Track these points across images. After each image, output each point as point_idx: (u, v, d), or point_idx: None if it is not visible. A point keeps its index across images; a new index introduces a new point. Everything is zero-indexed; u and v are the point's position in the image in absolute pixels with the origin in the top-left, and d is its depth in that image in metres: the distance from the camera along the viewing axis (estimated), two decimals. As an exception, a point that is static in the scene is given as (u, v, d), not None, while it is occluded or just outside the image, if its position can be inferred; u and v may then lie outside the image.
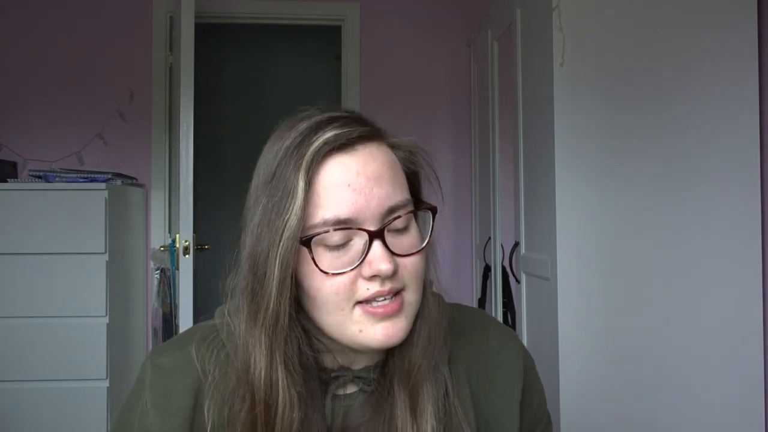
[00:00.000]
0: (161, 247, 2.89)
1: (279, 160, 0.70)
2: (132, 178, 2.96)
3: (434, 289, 0.79)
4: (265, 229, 0.69)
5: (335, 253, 0.69)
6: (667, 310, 1.86)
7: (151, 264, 3.03)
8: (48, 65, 3.08)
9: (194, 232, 2.47)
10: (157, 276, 2.88)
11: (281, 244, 0.67)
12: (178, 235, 2.46)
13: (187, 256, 2.44)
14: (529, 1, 2.15)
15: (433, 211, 0.74)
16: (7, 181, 2.70)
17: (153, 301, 2.97)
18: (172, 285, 2.71)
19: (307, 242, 0.68)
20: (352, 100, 3.27)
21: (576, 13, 1.87)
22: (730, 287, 1.87)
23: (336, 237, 0.69)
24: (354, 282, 0.69)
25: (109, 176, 2.74)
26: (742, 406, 1.88)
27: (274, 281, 0.68)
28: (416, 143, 0.78)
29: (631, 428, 1.85)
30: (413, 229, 0.73)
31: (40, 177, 2.72)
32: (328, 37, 3.66)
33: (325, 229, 0.68)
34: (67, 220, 2.58)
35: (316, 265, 0.68)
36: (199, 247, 2.64)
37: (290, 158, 0.69)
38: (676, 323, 1.86)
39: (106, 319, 2.61)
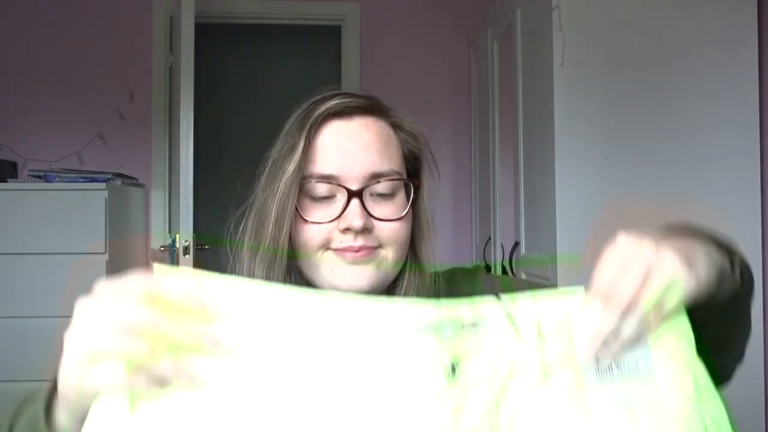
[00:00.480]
0: (161, 247, 2.89)
1: (290, 124, 0.81)
2: (132, 178, 2.96)
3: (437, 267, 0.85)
4: (270, 178, 0.80)
5: (319, 205, 0.78)
6: (667, 310, 1.86)
7: (151, 264, 3.03)
8: (48, 65, 3.08)
9: (194, 232, 2.47)
10: (157, 276, 2.88)
11: (279, 188, 0.77)
12: (178, 235, 2.46)
13: (187, 256, 2.44)
14: (529, 1, 2.15)
15: (414, 185, 0.82)
16: (7, 181, 2.70)
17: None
18: (172, 285, 2.70)
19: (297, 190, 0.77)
20: (352, 100, 3.26)
21: (576, 13, 1.87)
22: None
23: (320, 189, 0.78)
24: (330, 232, 0.77)
25: (109, 176, 2.74)
26: (742, 405, 1.87)
27: (272, 218, 0.77)
28: (419, 129, 0.86)
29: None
30: (399, 200, 0.80)
31: (40, 177, 2.72)
32: (328, 37, 3.66)
33: (310, 180, 0.77)
34: (67, 220, 2.58)
35: (297, 211, 0.77)
36: (199, 247, 2.64)
37: (297, 121, 0.80)
38: (676, 323, 1.86)
39: (106, 319, 2.61)
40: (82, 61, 3.09)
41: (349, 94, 0.83)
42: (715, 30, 1.89)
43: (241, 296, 0.58)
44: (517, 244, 2.30)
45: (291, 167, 0.77)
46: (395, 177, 0.79)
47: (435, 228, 0.86)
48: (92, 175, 2.72)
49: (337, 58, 3.47)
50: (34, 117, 3.06)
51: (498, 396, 0.57)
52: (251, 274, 0.79)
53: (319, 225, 0.77)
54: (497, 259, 2.66)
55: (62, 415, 0.58)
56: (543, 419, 0.57)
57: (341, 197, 0.77)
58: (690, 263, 0.58)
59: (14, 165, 2.95)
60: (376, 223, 0.78)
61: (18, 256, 2.56)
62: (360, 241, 0.76)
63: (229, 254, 0.83)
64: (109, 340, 0.54)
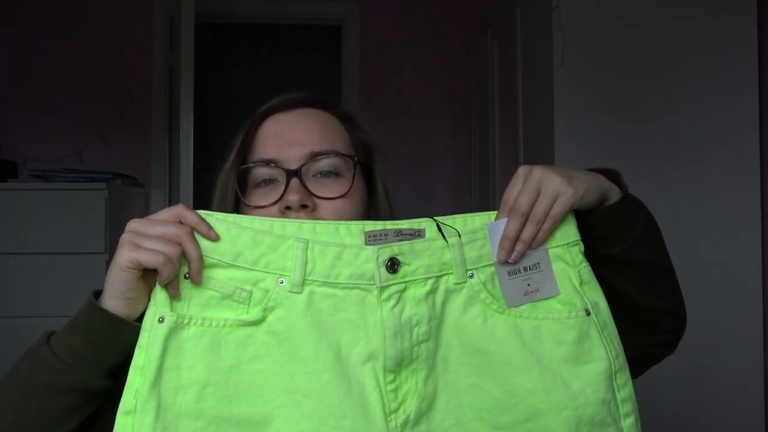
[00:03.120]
0: (161, 247, 2.88)
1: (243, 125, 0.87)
2: (132, 178, 2.96)
3: None
4: (218, 175, 0.86)
5: (262, 190, 0.82)
6: (667, 310, 1.86)
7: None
8: (48, 65, 3.08)
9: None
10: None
11: (220, 180, 0.84)
12: (178, 235, 2.45)
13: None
14: (529, 1, 2.15)
15: (352, 159, 0.84)
16: (7, 181, 2.70)
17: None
18: (172, 285, 2.71)
19: (240, 178, 0.83)
20: (351, 99, 3.27)
21: (576, 13, 1.87)
22: (729, 288, 1.87)
23: (260, 174, 0.82)
24: (273, 216, 0.77)
25: (109, 176, 2.74)
26: (741, 406, 1.88)
27: (214, 204, 0.84)
28: (368, 120, 0.90)
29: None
30: (344, 180, 0.83)
31: (40, 177, 2.72)
32: (328, 37, 3.66)
33: (253, 165, 0.82)
34: (67, 220, 2.58)
35: (241, 197, 0.82)
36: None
37: (246, 124, 0.86)
38: (676, 323, 1.86)
39: (106, 319, 2.61)
40: (82, 60, 3.09)
41: (298, 93, 0.88)
42: (715, 30, 1.89)
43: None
44: (517, 244, 2.30)
45: (230, 159, 0.83)
46: (335, 155, 0.82)
47: (394, 216, 0.88)
48: (92, 175, 2.72)
49: (337, 58, 3.47)
50: (34, 117, 3.06)
51: (431, 287, 0.71)
52: None
53: (262, 209, 0.80)
54: (497, 259, 2.66)
55: (107, 297, 0.68)
56: (467, 306, 0.72)
57: (282, 180, 0.80)
58: (569, 180, 0.73)
59: (14, 165, 2.95)
60: (319, 202, 0.80)
61: (18, 256, 2.56)
62: (303, 218, 0.78)
63: None
64: (157, 234, 0.67)
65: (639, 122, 1.88)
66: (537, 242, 0.73)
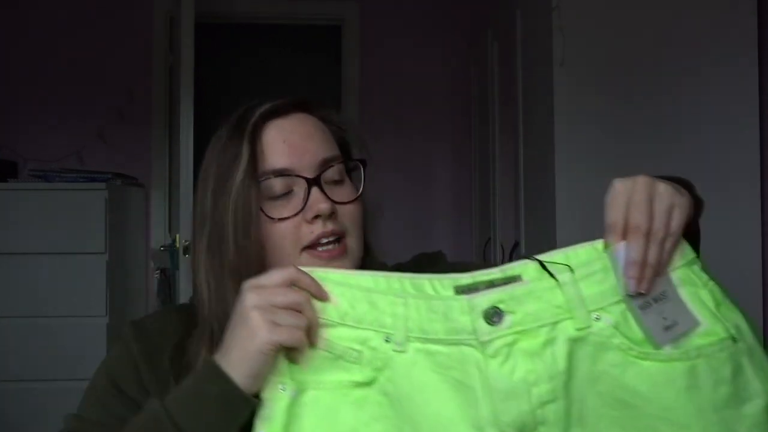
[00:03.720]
0: (161, 247, 2.88)
1: (225, 138, 0.80)
2: (132, 178, 2.96)
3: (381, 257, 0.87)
4: (218, 193, 0.78)
5: (279, 202, 0.78)
6: (667, 310, 1.86)
7: (151, 264, 3.03)
8: (48, 65, 3.08)
9: (194, 232, 2.46)
10: (157, 276, 2.88)
11: (232, 197, 0.76)
12: (178, 235, 2.46)
13: (187, 255, 2.43)
14: (529, 1, 2.14)
15: (363, 164, 0.84)
16: (7, 181, 2.70)
17: (153, 301, 2.97)
18: (172, 285, 2.71)
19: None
20: (351, 99, 3.27)
21: (576, 13, 1.87)
22: (729, 288, 1.87)
23: (277, 186, 0.78)
24: (298, 227, 0.77)
25: (109, 176, 2.74)
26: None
27: (232, 229, 0.76)
28: (344, 120, 0.88)
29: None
30: (347, 184, 0.82)
31: (40, 177, 2.72)
32: (328, 37, 3.66)
33: (266, 177, 0.77)
34: (67, 220, 2.58)
35: (263, 212, 0.77)
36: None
37: (235, 131, 0.80)
38: (676, 323, 1.86)
39: (106, 319, 2.61)
40: (82, 60, 3.09)
41: (276, 97, 0.84)
42: (715, 29, 1.89)
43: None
44: (517, 244, 2.30)
45: (240, 172, 0.76)
46: (343, 161, 0.82)
47: (373, 217, 0.87)
48: (92, 175, 2.72)
49: (337, 58, 3.47)
50: (34, 117, 3.06)
51: (547, 337, 0.61)
52: (222, 299, 0.76)
53: (287, 220, 0.77)
54: (497, 259, 2.66)
55: (239, 375, 0.65)
56: (598, 354, 0.61)
57: (298, 189, 0.78)
58: (676, 189, 0.66)
59: (14, 165, 2.95)
60: (338, 207, 0.79)
61: (18, 256, 2.56)
62: (330, 226, 0.77)
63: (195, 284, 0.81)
64: (281, 308, 0.64)
65: (639, 122, 1.88)
66: (662, 266, 0.62)
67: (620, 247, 0.62)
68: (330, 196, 0.78)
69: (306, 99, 0.85)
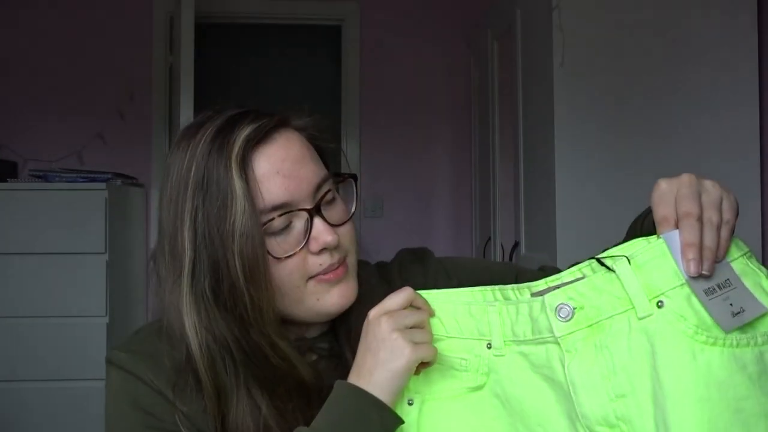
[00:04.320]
0: (161, 247, 2.88)
1: (204, 164, 0.72)
2: (132, 178, 2.96)
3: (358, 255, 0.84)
4: (216, 237, 0.71)
5: (279, 238, 0.73)
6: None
7: (151, 264, 3.02)
8: (48, 65, 3.08)
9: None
10: (157, 276, 2.88)
11: (237, 243, 0.70)
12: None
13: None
14: (529, 1, 2.14)
15: (354, 178, 0.81)
16: (7, 181, 2.70)
17: (153, 301, 2.96)
18: (172, 285, 2.70)
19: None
20: (351, 99, 3.27)
21: (576, 13, 1.87)
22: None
23: (278, 222, 0.73)
24: (304, 260, 0.74)
25: (109, 176, 2.74)
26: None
27: (242, 280, 0.71)
28: (315, 119, 0.81)
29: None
30: (338, 199, 0.79)
31: (40, 177, 2.72)
32: (328, 37, 3.66)
33: (270, 217, 0.72)
34: (67, 220, 2.58)
35: (269, 254, 0.72)
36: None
37: (217, 161, 0.71)
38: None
39: (106, 319, 2.60)
40: (82, 61, 3.09)
41: (248, 112, 0.76)
42: (715, 30, 1.89)
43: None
44: (517, 244, 2.30)
45: (240, 214, 0.70)
46: (333, 179, 0.79)
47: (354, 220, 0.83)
48: (92, 175, 2.72)
49: (337, 58, 3.47)
50: (34, 117, 3.06)
51: (613, 328, 0.62)
52: (222, 343, 0.73)
53: (294, 257, 0.73)
54: (497, 259, 2.66)
55: (386, 396, 0.67)
56: (664, 342, 0.60)
57: (297, 221, 0.74)
58: (724, 187, 0.65)
59: (14, 165, 2.95)
60: (337, 230, 0.76)
61: (18, 256, 2.56)
62: (337, 256, 0.76)
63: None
64: (416, 329, 0.69)
65: (639, 122, 1.88)
66: (721, 251, 0.61)
67: (674, 233, 0.61)
68: (329, 219, 0.75)
69: (286, 115, 0.79)
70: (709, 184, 0.64)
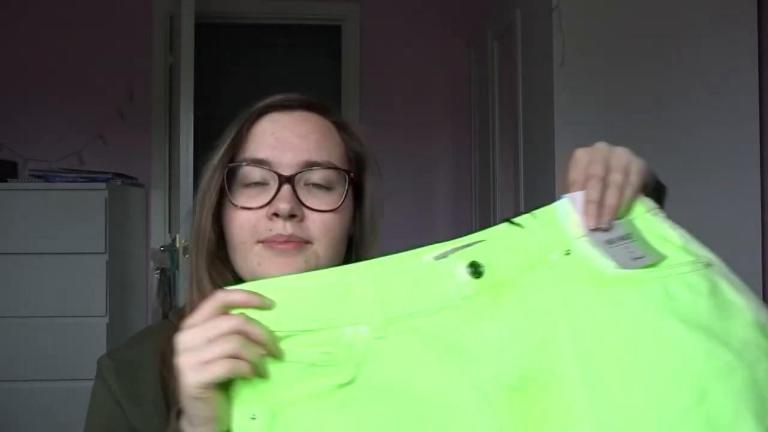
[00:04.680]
0: (161, 247, 2.89)
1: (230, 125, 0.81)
2: (132, 178, 2.96)
3: None
4: (205, 170, 0.80)
5: (251, 191, 0.76)
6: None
7: (151, 264, 3.03)
8: (48, 65, 3.08)
9: (194, 232, 2.46)
10: (157, 276, 2.88)
11: (207, 175, 0.78)
12: (178, 235, 2.46)
13: (187, 256, 2.43)
14: (529, 1, 2.15)
15: (348, 174, 0.79)
16: (7, 181, 2.70)
17: (153, 301, 2.97)
18: (172, 285, 2.71)
19: (228, 175, 0.77)
20: (351, 99, 3.27)
21: (576, 13, 1.87)
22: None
23: (251, 174, 0.76)
24: (259, 221, 0.75)
25: (109, 176, 2.74)
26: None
27: (199, 205, 0.79)
28: (363, 131, 0.85)
29: None
30: (336, 194, 0.78)
31: (40, 177, 2.72)
32: (328, 37, 3.66)
33: (243, 163, 0.77)
34: (67, 220, 2.58)
35: (228, 195, 0.77)
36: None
37: (239, 118, 0.80)
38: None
39: (106, 319, 2.61)
40: (82, 61, 3.09)
41: (296, 93, 0.82)
42: (715, 30, 1.89)
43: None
44: (517, 244, 2.30)
45: (219, 153, 0.78)
46: (330, 167, 0.78)
47: (378, 235, 0.83)
48: (92, 175, 2.72)
49: (337, 58, 3.47)
50: (34, 117, 3.06)
51: (527, 282, 0.62)
52: (194, 269, 0.79)
53: (249, 211, 0.75)
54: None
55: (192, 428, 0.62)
56: (575, 288, 0.61)
57: (274, 184, 0.75)
58: (636, 155, 0.69)
59: (14, 165, 2.95)
60: (308, 213, 0.75)
61: (18, 256, 2.57)
62: (290, 230, 0.74)
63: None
64: (215, 343, 0.60)
65: (638, 122, 1.88)
66: (623, 208, 0.65)
67: (579, 192, 0.66)
68: (304, 200, 0.75)
69: (323, 101, 0.83)
70: (620, 150, 0.68)
